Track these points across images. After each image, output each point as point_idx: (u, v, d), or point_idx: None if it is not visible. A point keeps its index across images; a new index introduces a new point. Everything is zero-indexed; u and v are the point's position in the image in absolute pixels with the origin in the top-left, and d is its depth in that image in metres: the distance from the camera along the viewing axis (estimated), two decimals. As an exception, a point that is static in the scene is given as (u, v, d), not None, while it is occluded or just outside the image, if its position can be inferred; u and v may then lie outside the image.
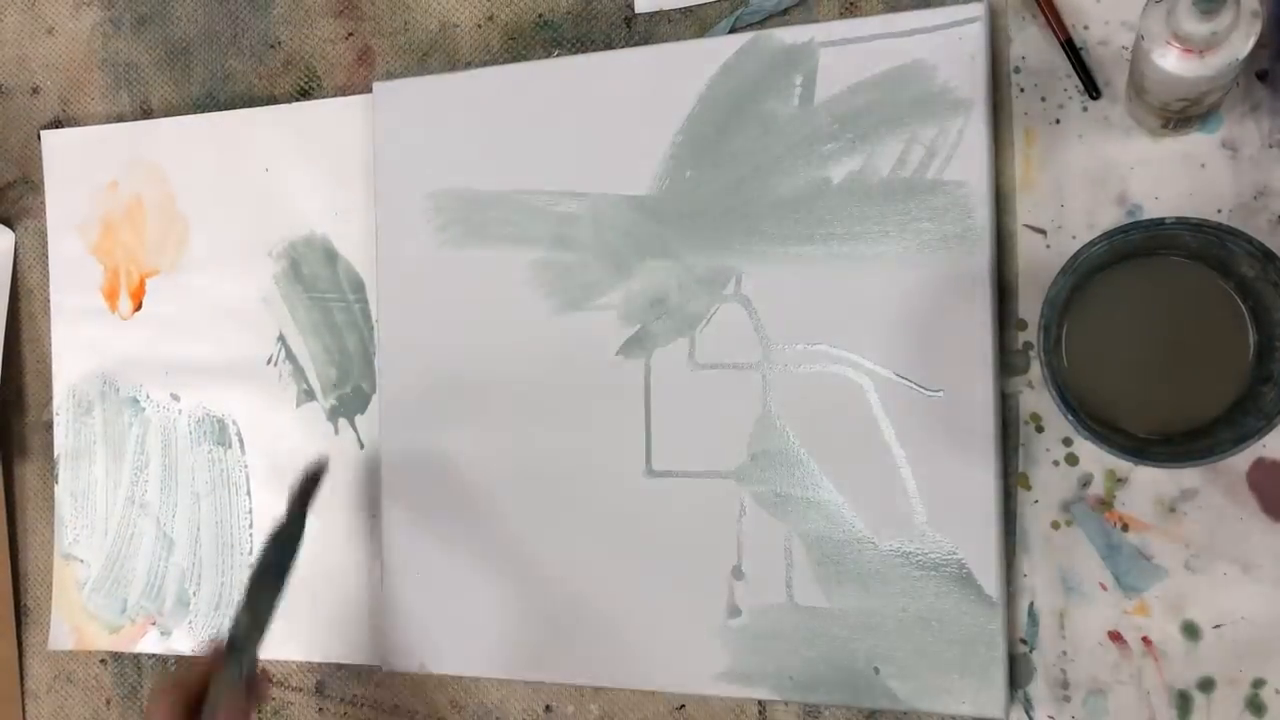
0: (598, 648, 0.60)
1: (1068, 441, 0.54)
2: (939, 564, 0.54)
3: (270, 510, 0.69)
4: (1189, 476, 0.52)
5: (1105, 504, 0.53)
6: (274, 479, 0.69)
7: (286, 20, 0.70)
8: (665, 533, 0.59)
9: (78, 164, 0.74)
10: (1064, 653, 0.53)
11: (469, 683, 0.65)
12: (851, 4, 0.58)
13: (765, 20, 0.59)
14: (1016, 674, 0.54)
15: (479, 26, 0.66)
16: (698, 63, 0.59)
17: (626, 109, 0.60)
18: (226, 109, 0.71)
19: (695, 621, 0.58)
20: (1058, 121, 0.54)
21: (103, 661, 0.73)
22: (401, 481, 0.64)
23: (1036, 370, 0.54)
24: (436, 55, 0.67)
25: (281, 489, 0.68)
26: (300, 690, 0.68)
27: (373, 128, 0.65)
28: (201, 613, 0.70)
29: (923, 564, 0.54)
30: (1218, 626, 0.51)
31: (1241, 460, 0.51)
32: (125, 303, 0.73)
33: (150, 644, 0.71)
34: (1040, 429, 0.54)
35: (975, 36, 0.54)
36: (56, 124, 0.76)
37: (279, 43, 0.70)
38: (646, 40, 0.62)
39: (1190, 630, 0.52)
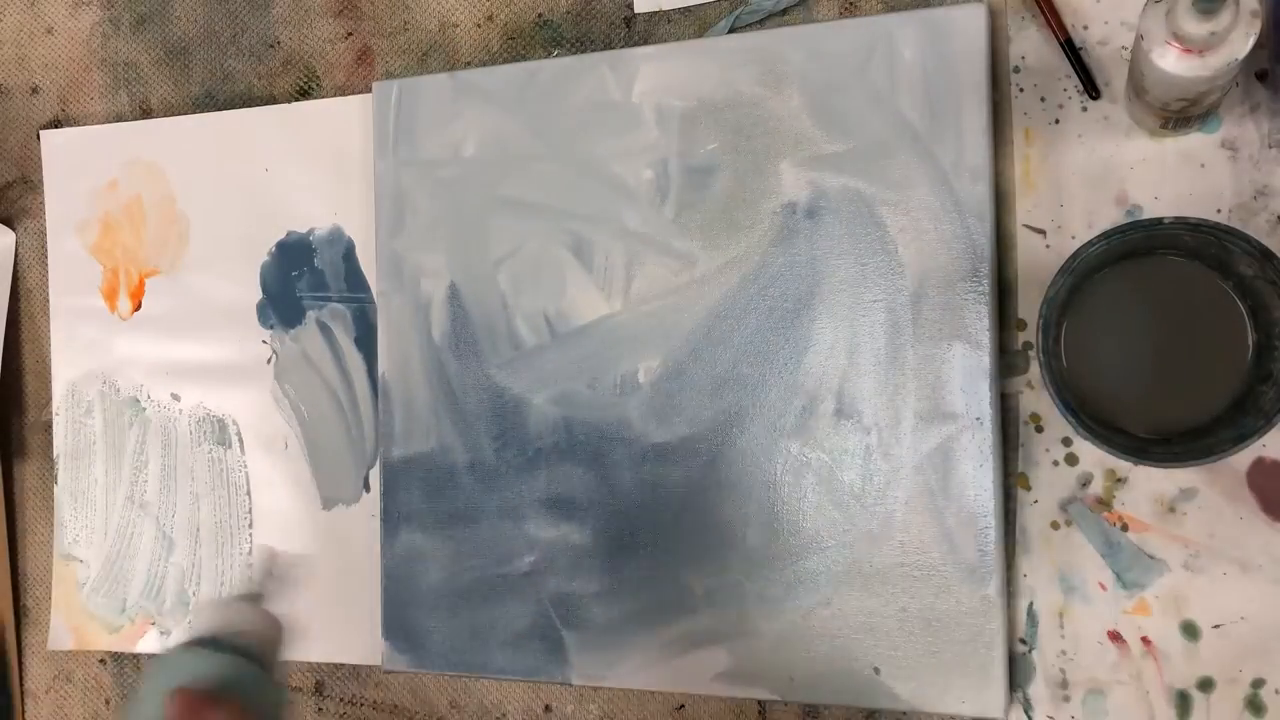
0: (598, 648, 0.60)
1: (1067, 441, 0.54)
2: (939, 564, 0.54)
3: (269, 510, 0.69)
4: (1188, 476, 0.52)
5: (1105, 504, 0.53)
6: (274, 479, 0.69)
7: (286, 20, 0.70)
8: (665, 531, 0.59)
9: (77, 164, 0.74)
10: (1063, 652, 0.53)
11: (469, 683, 0.65)
12: (851, 4, 0.58)
13: (765, 20, 0.59)
14: (1016, 674, 0.54)
15: (478, 26, 0.66)
16: (697, 63, 0.59)
17: (625, 108, 0.60)
18: (226, 109, 0.71)
19: (696, 621, 0.58)
20: (1057, 121, 0.54)
21: (102, 661, 0.73)
22: (401, 481, 0.64)
23: (1036, 370, 0.54)
24: (436, 55, 0.67)
25: (280, 488, 0.68)
26: (300, 690, 0.68)
27: (372, 128, 0.65)
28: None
29: (922, 564, 0.54)
30: (1217, 626, 0.51)
31: (1241, 460, 0.51)
32: (125, 303, 0.73)
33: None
34: (1040, 429, 0.54)
35: (975, 36, 0.54)
36: (56, 124, 0.76)
37: (278, 42, 0.70)
38: (646, 40, 0.62)
39: (1190, 630, 0.52)
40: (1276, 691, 0.50)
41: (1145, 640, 0.52)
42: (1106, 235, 0.46)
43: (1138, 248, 0.49)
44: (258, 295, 0.69)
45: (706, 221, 0.58)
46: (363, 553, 0.66)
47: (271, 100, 0.70)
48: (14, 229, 0.77)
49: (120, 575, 0.72)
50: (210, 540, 0.70)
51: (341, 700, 0.67)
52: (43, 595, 0.75)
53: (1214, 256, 0.48)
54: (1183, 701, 0.51)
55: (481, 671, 0.63)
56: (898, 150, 0.55)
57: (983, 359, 0.53)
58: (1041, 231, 0.54)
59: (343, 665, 0.67)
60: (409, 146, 0.64)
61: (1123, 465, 0.52)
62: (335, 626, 0.67)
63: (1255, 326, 0.48)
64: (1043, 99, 0.54)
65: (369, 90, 0.67)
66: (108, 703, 0.73)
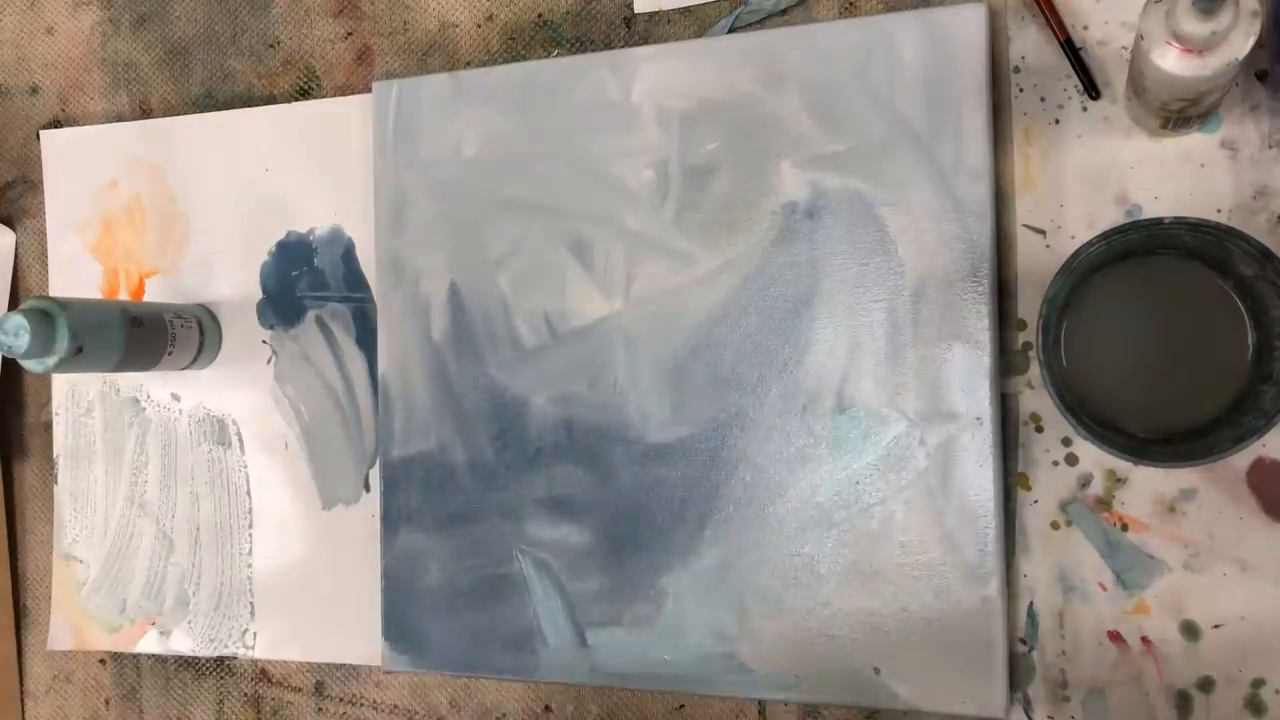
0: (597, 647, 0.60)
1: (1067, 441, 0.54)
2: (939, 564, 0.54)
3: (269, 510, 0.69)
4: (1188, 476, 0.52)
5: (1105, 504, 0.53)
6: (274, 479, 0.69)
7: (286, 20, 0.70)
8: (665, 531, 0.59)
9: (77, 164, 0.74)
10: (1063, 653, 0.53)
11: (469, 683, 0.65)
12: (850, 4, 0.58)
13: (764, 20, 0.59)
14: (1016, 674, 0.54)
15: (479, 26, 0.66)
16: (697, 63, 0.59)
17: (625, 108, 0.60)
18: (226, 109, 0.71)
19: (696, 621, 0.58)
20: (1057, 121, 0.54)
21: (102, 662, 0.73)
22: (401, 481, 0.64)
23: (1036, 370, 0.54)
24: (436, 55, 0.67)
25: (280, 488, 0.68)
26: (300, 690, 0.68)
27: (372, 128, 0.65)
28: (201, 613, 0.70)
29: (922, 564, 0.54)
30: (1217, 626, 0.51)
31: (1241, 460, 0.51)
32: (125, 303, 0.73)
33: (149, 644, 0.71)
34: (1040, 429, 0.54)
35: (975, 36, 0.54)
36: (56, 124, 0.76)
37: (278, 42, 0.70)
38: (646, 40, 0.62)
39: (1190, 630, 0.52)
40: (1277, 691, 0.50)
41: (1145, 640, 0.52)
42: (1106, 235, 0.46)
43: (1138, 248, 0.49)
44: (258, 295, 0.69)
45: (706, 221, 0.58)
46: (363, 553, 0.66)
47: (271, 100, 0.70)
48: (14, 229, 0.77)
49: (120, 575, 0.72)
50: (210, 540, 0.70)
51: (341, 700, 0.67)
52: (43, 595, 0.75)
53: (1214, 256, 0.48)
54: (1183, 701, 0.51)
55: (481, 671, 0.63)
56: (897, 150, 0.55)
57: (983, 359, 0.53)
58: (1041, 231, 0.54)
59: (343, 665, 0.67)
60: (409, 146, 0.64)
61: (1123, 465, 0.52)
62: (335, 626, 0.67)
63: (1255, 326, 0.48)
64: (1043, 99, 0.54)
65: (369, 90, 0.67)
66: (107, 703, 0.73)
